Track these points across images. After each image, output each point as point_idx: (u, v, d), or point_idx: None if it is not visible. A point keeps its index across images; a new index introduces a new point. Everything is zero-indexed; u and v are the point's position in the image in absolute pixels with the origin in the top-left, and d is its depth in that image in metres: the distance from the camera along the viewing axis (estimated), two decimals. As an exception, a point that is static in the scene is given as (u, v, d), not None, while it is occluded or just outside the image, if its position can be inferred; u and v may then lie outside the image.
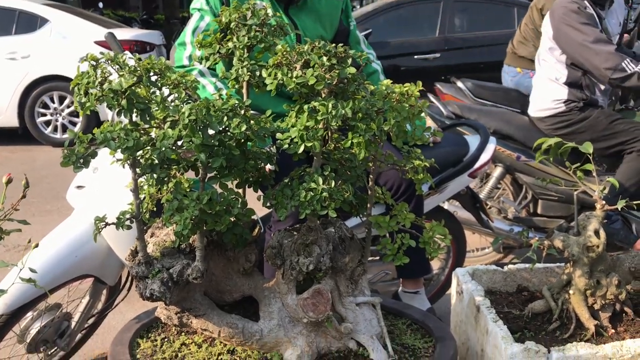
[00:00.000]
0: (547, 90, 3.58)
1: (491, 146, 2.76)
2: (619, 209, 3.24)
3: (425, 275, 2.56)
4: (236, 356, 1.45)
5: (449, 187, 2.71)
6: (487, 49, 6.89)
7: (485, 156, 2.73)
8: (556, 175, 3.56)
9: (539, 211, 3.65)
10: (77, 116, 6.45)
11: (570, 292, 1.54)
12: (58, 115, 6.44)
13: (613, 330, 1.51)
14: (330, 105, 1.18)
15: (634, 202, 1.58)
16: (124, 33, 6.97)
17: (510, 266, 1.80)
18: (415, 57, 6.98)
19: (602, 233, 1.50)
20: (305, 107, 1.19)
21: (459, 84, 3.87)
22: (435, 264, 3.26)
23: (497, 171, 3.61)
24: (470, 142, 2.78)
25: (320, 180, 1.21)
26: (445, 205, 3.42)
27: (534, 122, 3.63)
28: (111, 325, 2.59)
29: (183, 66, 2.03)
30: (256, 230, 1.43)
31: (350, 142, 1.24)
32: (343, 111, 1.19)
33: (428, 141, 1.45)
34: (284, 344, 1.42)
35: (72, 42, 6.39)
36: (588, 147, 1.54)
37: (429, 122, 3.33)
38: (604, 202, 1.53)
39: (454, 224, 3.04)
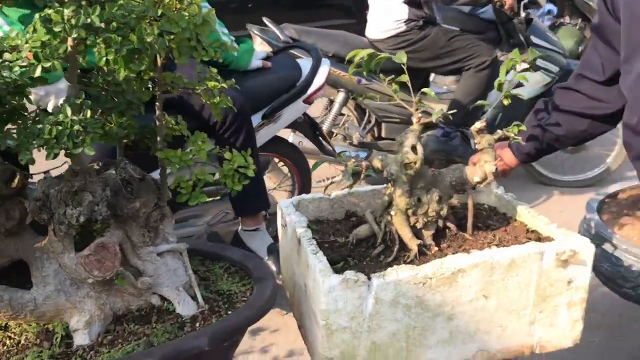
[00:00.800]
0: (387, 11, 3.49)
1: (324, 69, 2.61)
2: (458, 129, 3.17)
3: (264, 211, 2.41)
4: (10, 332, 1.21)
5: (283, 115, 2.55)
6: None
7: (318, 80, 2.58)
8: (391, 95, 3.53)
9: (383, 134, 3.63)
10: None
11: (392, 213, 1.45)
12: None
13: (436, 248, 1.45)
14: (67, 12, 0.92)
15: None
16: None
17: (337, 192, 1.68)
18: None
19: (420, 148, 1.41)
20: (37, 16, 0.93)
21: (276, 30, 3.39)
22: (282, 196, 3.14)
23: (340, 97, 3.51)
24: (303, 66, 2.61)
25: (69, 111, 0.96)
26: (291, 138, 3.27)
27: (374, 44, 3.55)
28: None
29: None
30: (16, 180, 1.16)
31: (104, 58, 1.00)
32: (88, 19, 0.93)
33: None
34: (67, 311, 1.20)
35: None
36: (401, 57, 1.41)
37: (265, 48, 3.11)
38: (420, 115, 1.43)
39: (296, 154, 2.91)
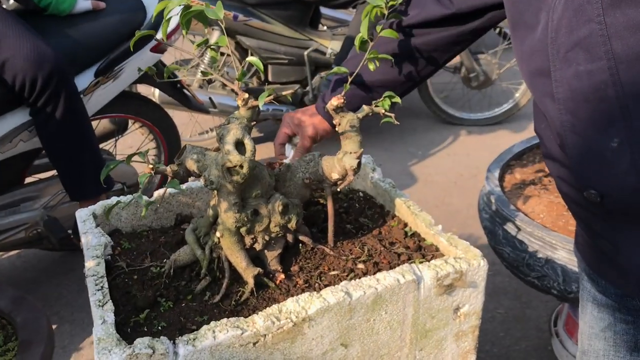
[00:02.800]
0: None
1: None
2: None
3: (104, 193, 1.94)
4: None
5: (125, 69, 2.03)
6: None
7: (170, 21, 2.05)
8: (282, 34, 3.05)
9: (270, 78, 3.16)
10: None
11: (218, 234, 1.04)
12: None
13: (282, 276, 1.06)
14: None
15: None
16: None
17: (160, 191, 1.24)
18: None
19: (249, 144, 0.99)
20: None
21: None
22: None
23: (214, 36, 2.99)
24: (148, 4, 2.08)
25: None
26: (156, 94, 2.76)
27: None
28: None
29: None
30: None
31: None
32: None
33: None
34: None
35: None
36: (219, 12, 0.97)
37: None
38: (246, 95, 1.00)
39: (156, 113, 2.42)
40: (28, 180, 2.21)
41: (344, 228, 1.23)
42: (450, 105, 3.71)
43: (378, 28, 1.09)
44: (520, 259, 1.54)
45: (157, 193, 1.24)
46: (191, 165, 1.03)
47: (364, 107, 1.11)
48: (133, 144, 2.79)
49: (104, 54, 1.97)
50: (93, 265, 1.04)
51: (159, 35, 1.99)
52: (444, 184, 3.01)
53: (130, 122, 2.46)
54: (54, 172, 2.23)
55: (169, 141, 2.48)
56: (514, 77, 3.75)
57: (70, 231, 2.13)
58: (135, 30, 1.99)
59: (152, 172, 0.96)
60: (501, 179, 1.76)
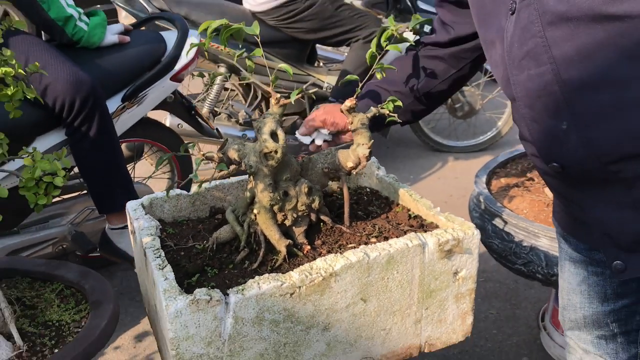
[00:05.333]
0: (267, -21, 3.23)
1: (193, 41, 2.33)
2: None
3: (131, 206, 2.12)
4: None
5: (148, 96, 2.25)
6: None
7: (187, 54, 2.30)
8: (282, 70, 3.31)
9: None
10: None
11: (255, 211, 1.24)
12: None
13: (309, 247, 1.26)
14: None
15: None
16: None
17: (195, 187, 1.44)
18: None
19: (281, 134, 1.20)
20: None
21: None
22: (162, 185, 2.86)
23: (222, 71, 3.23)
24: (168, 39, 2.32)
25: None
26: (167, 121, 2.98)
27: (257, 15, 3.29)
28: None
29: None
30: None
31: None
32: None
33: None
34: None
35: None
36: (255, 29, 1.19)
37: (131, 22, 2.77)
38: (278, 95, 1.22)
39: (172, 138, 2.63)
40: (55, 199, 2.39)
41: (356, 214, 1.43)
42: (438, 134, 3.97)
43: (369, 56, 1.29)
44: (508, 249, 1.75)
45: (195, 187, 1.45)
46: (232, 154, 1.24)
47: (372, 108, 1.33)
48: (149, 167, 2.99)
49: (130, 82, 2.19)
50: (150, 240, 1.23)
51: (189, 57, 2.23)
52: (436, 203, 3.20)
53: (146, 147, 2.67)
54: (79, 192, 2.43)
55: (181, 163, 2.68)
56: (497, 107, 4.03)
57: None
58: (159, 60, 2.24)
59: (203, 157, 1.17)
60: (488, 183, 1.98)
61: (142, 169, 2.86)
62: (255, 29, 1.21)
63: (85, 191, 2.43)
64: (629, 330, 1.15)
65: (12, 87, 0.98)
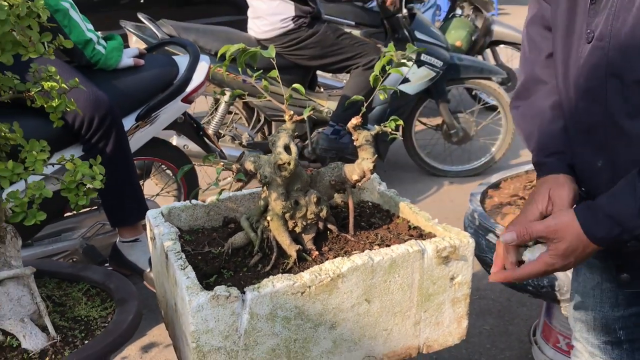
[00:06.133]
0: (272, 9, 3.38)
1: (203, 65, 2.47)
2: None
3: (142, 220, 2.23)
4: None
5: (160, 116, 2.38)
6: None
7: (198, 77, 2.44)
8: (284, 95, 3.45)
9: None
10: None
11: (269, 218, 1.35)
12: None
13: (317, 253, 1.37)
14: None
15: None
16: None
17: (212, 197, 1.56)
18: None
19: (294, 148, 1.32)
20: None
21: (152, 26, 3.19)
22: (168, 202, 2.96)
23: (226, 96, 3.37)
24: (180, 63, 2.45)
25: None
26: (175, 140, 3.10)
27: (261, 43, 3.44)
28: None
29: None
30: None
31: None
32: None
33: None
34: None
35: None
36: (271, 52, 1.32)
37: (141, 46, 2.91)
38: (292, 112, 1.34)
39: (180, 157, 2.75)
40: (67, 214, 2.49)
41: (360, 225, 1.54)
42: (434, 159, 4.10)
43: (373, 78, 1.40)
44: (501, 263, 1.85)
45: (210, 198, 1.56)
46: (249, 165, 1.35)
47: (375, 126, 1.45)
48: (154, 185, 3.10)
49: (143, 102, 2.31)
50: (171, 244, 1.33)
51: (199, 80, 2.36)
52: (432, 225, 3.34)
53: (153, 167, 2.78)
54: (90, 208, 2.53)
55: (188, 182, 2.79)
56: (490, 133, 4.17)
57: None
58: (171, 83, 2.37)
59: (223, 167, 1.29)
60: (482, 201, 2.10)
61: (149, 187, 2.96)
62: (271, 52, 1.34)
63: (96, 207, 2.53)
64: (634, 339, 1.23)
65: (56, 100, 1.10)
